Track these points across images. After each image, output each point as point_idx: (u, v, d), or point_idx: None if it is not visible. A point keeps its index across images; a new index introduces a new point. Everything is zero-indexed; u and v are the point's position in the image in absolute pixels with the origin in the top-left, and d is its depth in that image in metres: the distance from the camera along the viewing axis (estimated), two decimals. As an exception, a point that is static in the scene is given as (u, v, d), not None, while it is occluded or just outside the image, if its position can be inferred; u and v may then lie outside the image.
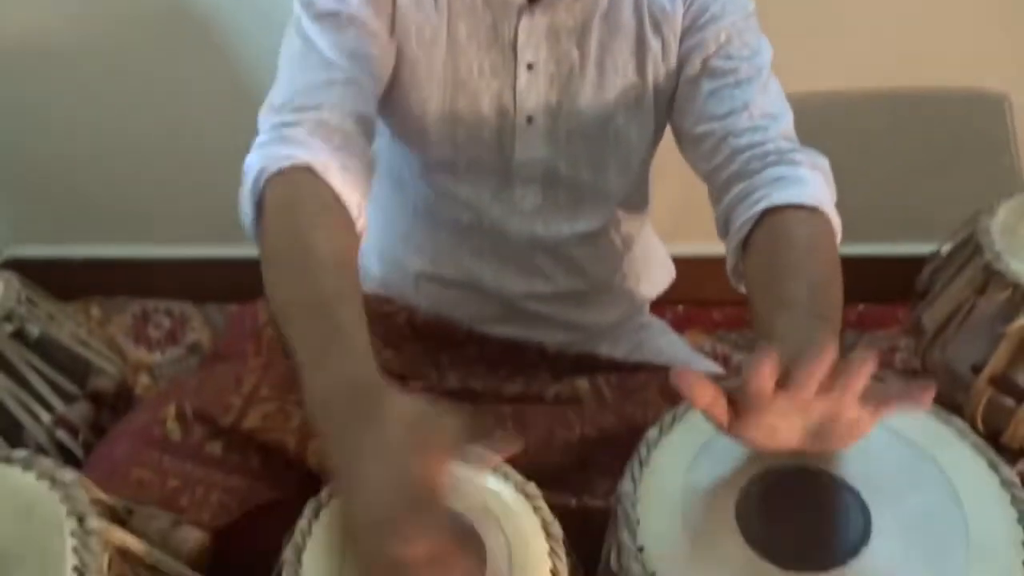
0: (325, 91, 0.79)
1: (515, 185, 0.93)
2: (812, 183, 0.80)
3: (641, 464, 0.65)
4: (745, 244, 0.81)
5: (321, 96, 0.79)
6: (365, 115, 0.81)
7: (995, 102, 1.45)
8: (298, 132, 0.76)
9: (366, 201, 0.78)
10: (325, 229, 0.71)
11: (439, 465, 0.54)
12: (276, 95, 0.81)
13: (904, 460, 0.64)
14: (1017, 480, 0.63)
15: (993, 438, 1.05)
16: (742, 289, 0.83)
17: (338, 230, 0.73)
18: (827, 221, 0.80)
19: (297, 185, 0.73)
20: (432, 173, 0.94)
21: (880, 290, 1.42)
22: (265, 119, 0.79)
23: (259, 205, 0.74)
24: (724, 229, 0.86)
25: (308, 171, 0.73)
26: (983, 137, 1.48)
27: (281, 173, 0.73)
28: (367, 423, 0.56)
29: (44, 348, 1.06)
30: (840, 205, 0.82)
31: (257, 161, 0.75)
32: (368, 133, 0.82)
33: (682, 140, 0.92)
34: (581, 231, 0.97)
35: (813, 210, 0.79)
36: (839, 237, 0.81)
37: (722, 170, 0.86)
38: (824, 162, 0.85)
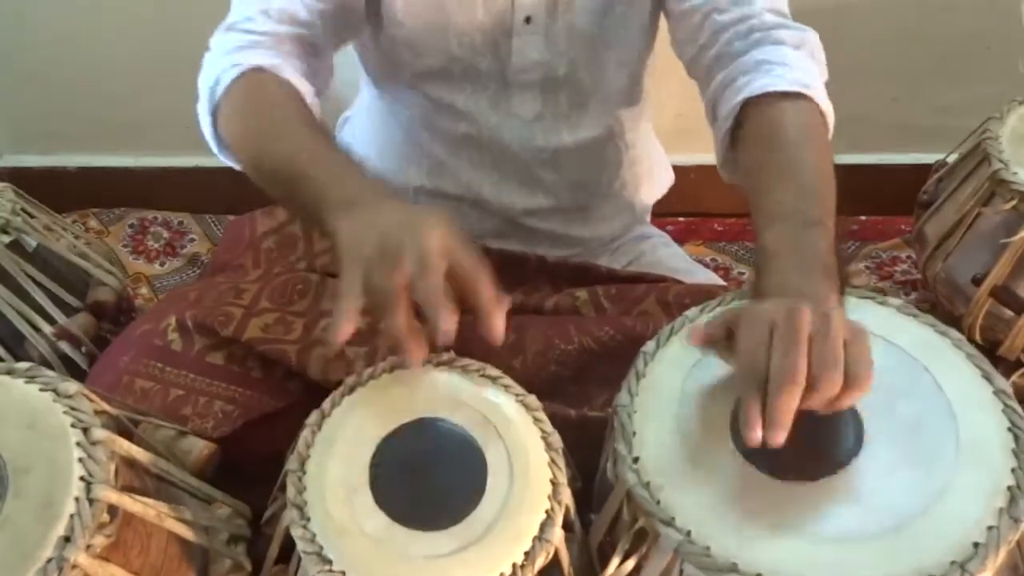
0: (262, 17, 0.81)
1: (513, 92, 0.91)
2: (796, 65, 0.77)
3: (638, 376, 0.66)
4: (735, 137, 0.79)
5: (256, 23, 0.81)
6: (307, 38, 0.83)
7: (1008, 6, 1.41)
8: (243, 43, 0.80)
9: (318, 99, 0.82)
10: (286, 104, 0.76)
11: (450, 251, 0.59)
12: (227, 19, 0.83)
13: (898, 369, 0.64)
14: (1010, 390, 0.63)
15: (990, 350, 1.05)
16: (734, 180, 0.81)
17: (296, 102, 0.77)
18: (815, 106, 0.76)
19: (251, 84, 0.77)
20: (426, 83, 0.92)
21: (884, 200, 1.41)
22: (215, 39, 0.82)
23: (215, 113, 0.78)
24: (712, 118, 0.83)
25: (259, 71, 0.78)
26: (995, 43, 1.45)
27: (237, 79, 0.77)
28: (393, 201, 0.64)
29: (42, 260, 1.06)
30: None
31: (212, 73, 0.78)
32: (315, 53, 0.84)
33: (670, 24, 0.89)
34: (582, 139, 0.96)
35: (798, 96, 0.75)
36: (831, 120, 0.78)
37: (706, 51, 0.83)
38: (812, 36, 0.81)
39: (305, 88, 0.79)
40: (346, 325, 0.58)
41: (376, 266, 0.58)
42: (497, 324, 0.60)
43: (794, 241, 0.66)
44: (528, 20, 0.86)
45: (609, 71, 0.92)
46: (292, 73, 0.79)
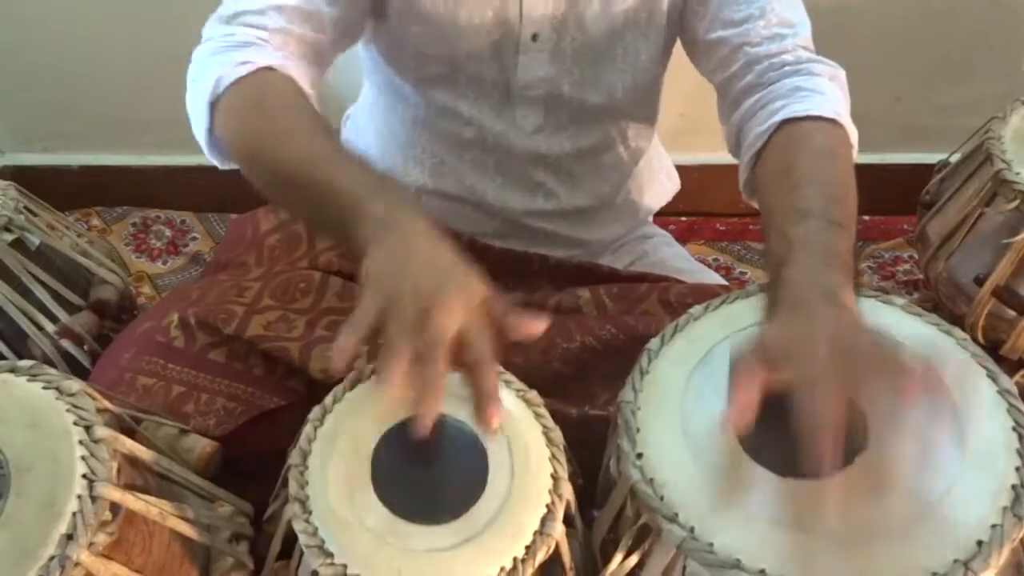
0: (274, 13, 0.79)
1: (516, 105, 0.91)
2: (831, 95, 0.79)
3: (642, 373, 0.66)
4: (759, 154, 0.79)
5: (268, 18, 0.79)
6: (314, 42, 0.81)
7: (1011, 6, 1.41)
8: (250, 40, 0.78)
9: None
10: (299, 107, 0.74)
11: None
12: (225, 7, 0.81)
13: (903, 369, 0.64)
14: (1015, 389, 0.63)
15: (992, 350, 1.05)
16: (754, 203, 0.82)
17: (309, 106, 0.75)
18: (845, 133, 0.79)
19: (261, 83, 0.75)
20: (430, 89, 0.92)
21: (886, 200, 1.41)
22: (212, 29, 0.80)
23: (213, 110, 0.76)
24: (736, 141, 0.84)
25: (269, 70, 0.75)
26: (998, 43, 1.45)
27: (245, 77, 0.74)
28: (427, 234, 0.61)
29: (45, 258, 1.06)
30: (850, 112, 0.81)
31: (214, 68, 0.75)
32: (318, 62, 0.83)
33: (694, 47, 0.89)
34: (584, 147, 0.96)
35: (832, 122, 0.78)
36: (856, 150, 0.80)
37: (737, 80, 0.84)
38: (841, 73, 0.83)
39: (311, 95, 0.78)
40: (345, 352, 0.56)
41: (398, 312, 0.57)
42: (491, 414, 0.58)
43: (821, 236, 0.67)
44: (535, 37, 0.86)
45: (616, 93, 0.92)
46: (302, 78, 0.78)
